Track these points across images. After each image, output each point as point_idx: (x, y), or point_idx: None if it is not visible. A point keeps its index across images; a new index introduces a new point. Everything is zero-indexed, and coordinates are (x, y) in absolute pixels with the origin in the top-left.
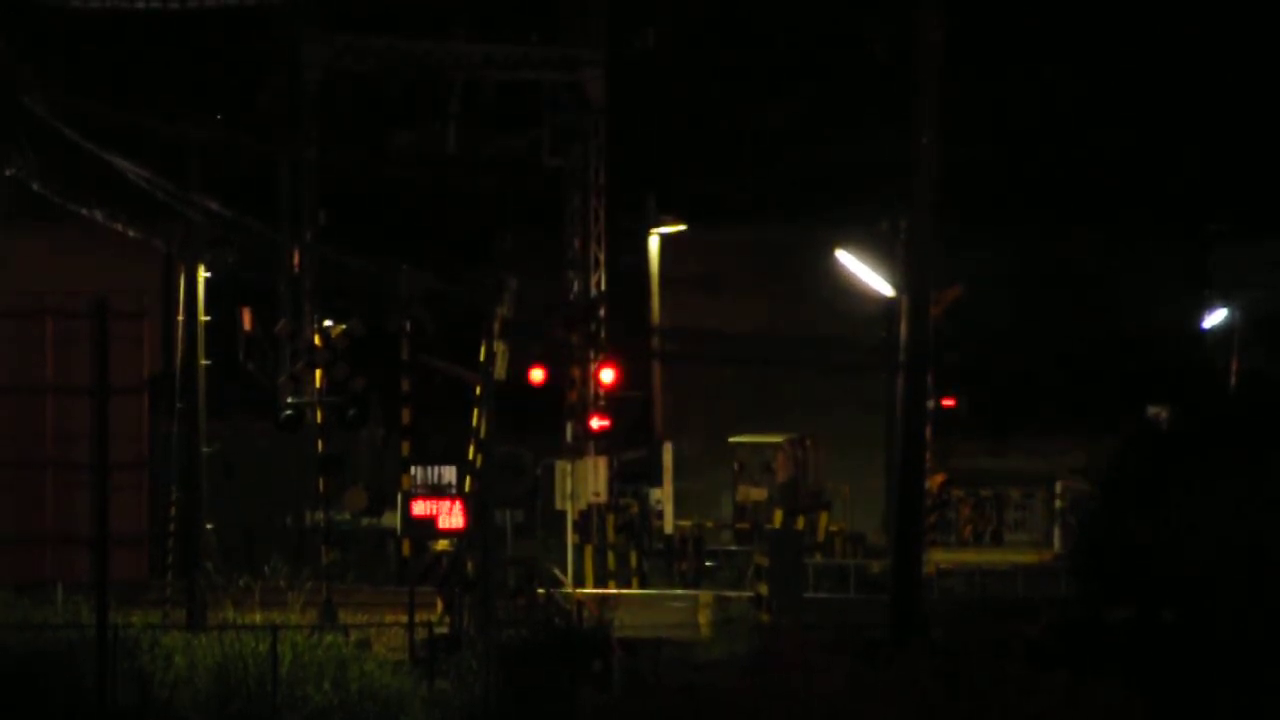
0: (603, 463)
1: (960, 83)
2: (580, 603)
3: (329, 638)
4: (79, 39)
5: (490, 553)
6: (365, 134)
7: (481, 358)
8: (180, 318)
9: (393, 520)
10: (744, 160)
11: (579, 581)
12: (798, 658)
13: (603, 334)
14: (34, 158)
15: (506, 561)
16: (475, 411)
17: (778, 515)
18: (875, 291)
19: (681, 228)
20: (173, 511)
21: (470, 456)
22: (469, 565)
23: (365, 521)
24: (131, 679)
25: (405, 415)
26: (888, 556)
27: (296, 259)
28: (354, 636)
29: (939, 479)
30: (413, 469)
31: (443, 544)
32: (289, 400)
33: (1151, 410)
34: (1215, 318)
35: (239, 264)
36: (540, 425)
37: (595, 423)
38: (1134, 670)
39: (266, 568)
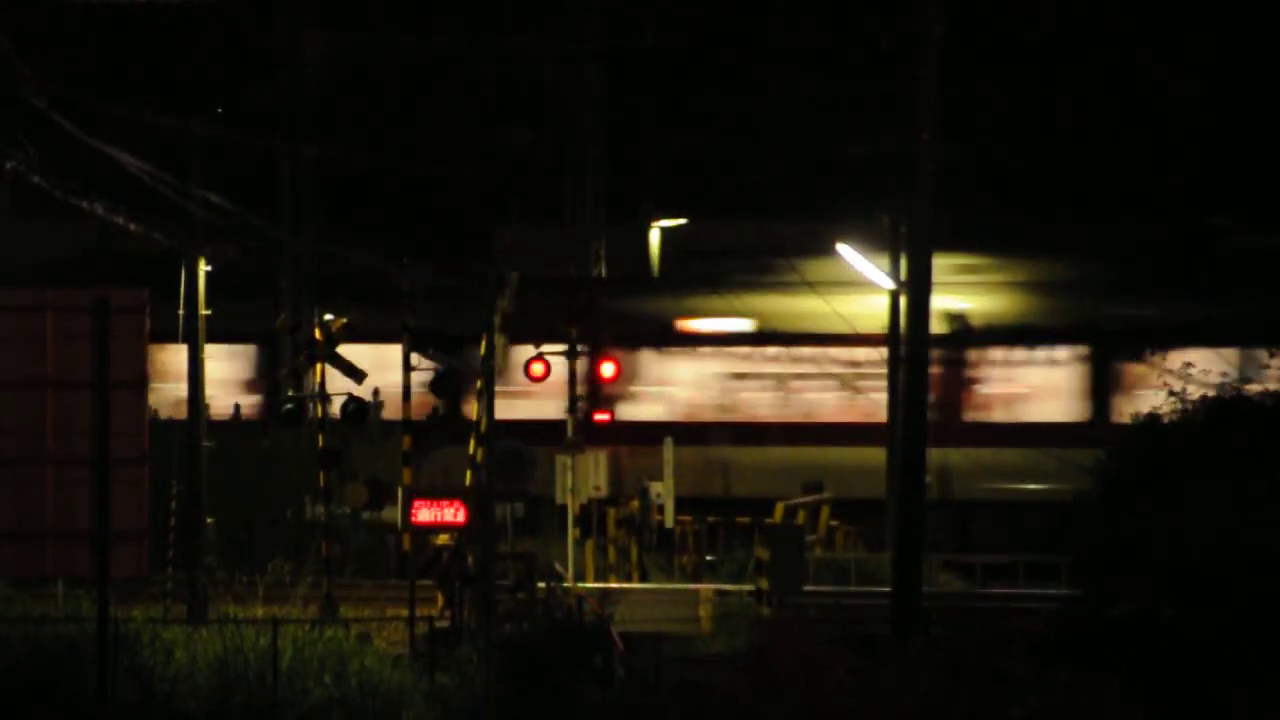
0: (603, 457)
1: (961, 79)
2: (580, 597)
3: (329, 632)
4: (80, 32)
5: (490, 547)
6: (366, 128)
7: (482, 351)
8: (181, 312)
9: (393, 515)
10: (744, 154)
11: (579, 576)
12: (798, 653)
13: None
14: (34, 152)
15: (506, 556)
16: (475, 406)
17: (778, 509)
18: (876, 286)
19: (682, 221)
20: (173, 506)
21: (471, 451)
22: (469, 559)
23: (366, 516)
24: (132, 674)
25: (405, 409)
26: (888, 550)
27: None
28: (354, 630)
29: None
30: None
31: (443, 538)
32: (289, 394)
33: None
34: None
35: (239, 258)
36: None
37: (596, 416)
38: (1135, 668)
39: (270, 566)
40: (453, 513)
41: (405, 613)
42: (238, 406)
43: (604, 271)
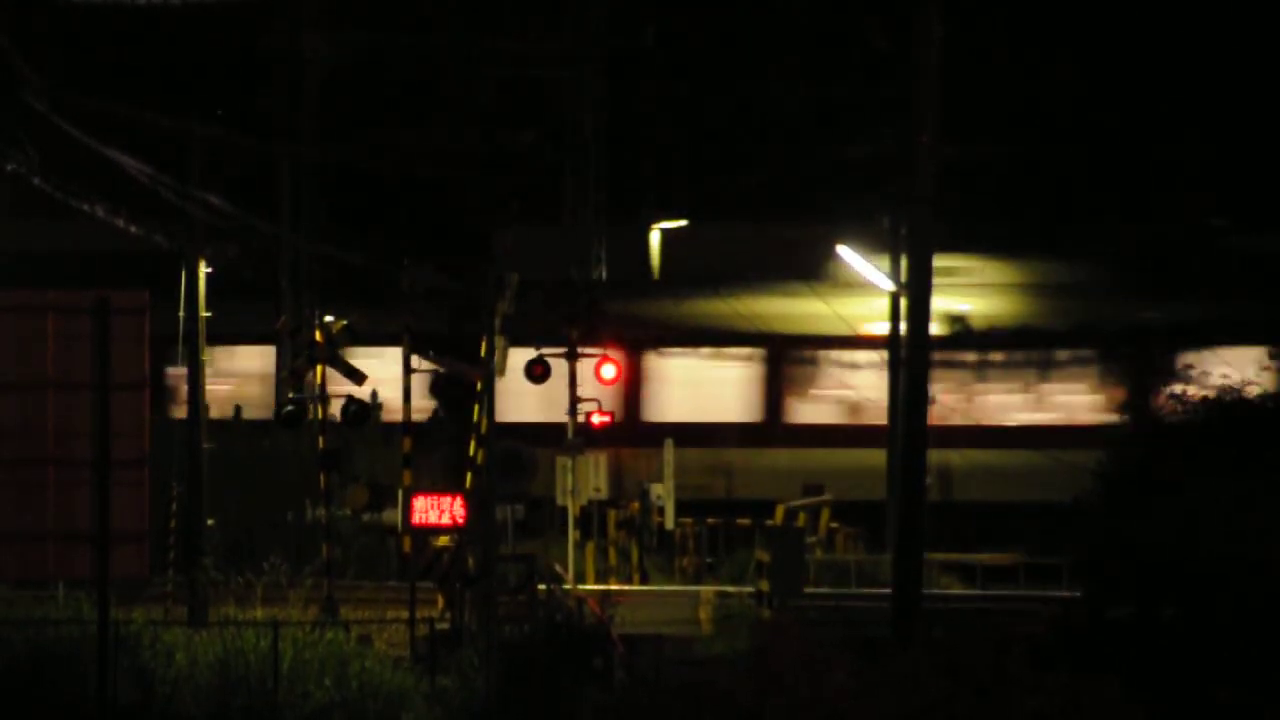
0: (603, 458)
1: (960, 79)
2: (581, 599)
3: (330, 634)
4: (80, 33)
5: (491, 549)
6: (366, 129)
7: (482, 353)
8: (181, 314)
9: (394, 517)
10: (745, 155)
11: (579, 578)
12: (799, 654)
13: (604, 329)
14: (35, 153)
15: (506, 557)
16: (476, 406)
17: (779, 511)
18: (876, 287)
19: (683, 223)
20: (174, 508)
21: (471, 452)
22: (470, 561)
23: (366, 518)
24: (133, 676)
25: (405, 411)
26: (889, 552)
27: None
28: (355, 633)
29: None
30: None
31: (443, 540)
32: (289, 396)
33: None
34: None
35: (240, 260)
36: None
37: (596, 418)
38: (1135, 668)
39: (265, 565)
40: (445, 515)
41: (406, 615)
42: (238, 408)
43: (604, 273)
